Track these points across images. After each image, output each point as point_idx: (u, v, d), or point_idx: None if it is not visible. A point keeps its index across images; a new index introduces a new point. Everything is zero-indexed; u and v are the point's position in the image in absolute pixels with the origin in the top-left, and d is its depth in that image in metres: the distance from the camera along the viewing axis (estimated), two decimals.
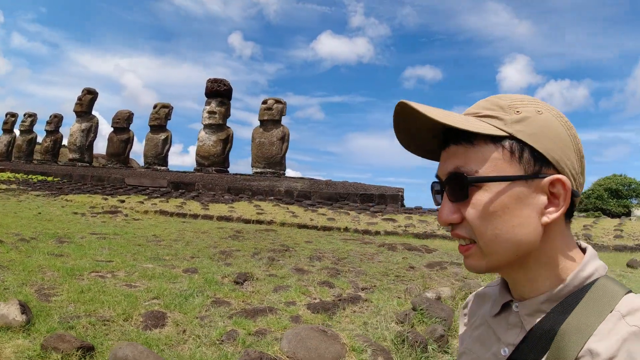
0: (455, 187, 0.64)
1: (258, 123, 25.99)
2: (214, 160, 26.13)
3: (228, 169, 26.81)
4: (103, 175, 25.50)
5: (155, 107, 28.26)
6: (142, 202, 17.38)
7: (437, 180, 0.69)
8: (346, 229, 13.82)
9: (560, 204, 0.63)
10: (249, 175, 25.24)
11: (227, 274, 6.59)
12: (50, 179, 25.99)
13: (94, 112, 30.35)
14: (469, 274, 7.75)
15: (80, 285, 5.37)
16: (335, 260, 8.64)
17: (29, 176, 26.95)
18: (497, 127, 0.64)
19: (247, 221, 14.45)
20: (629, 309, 0.58)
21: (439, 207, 0.67)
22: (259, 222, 14.35)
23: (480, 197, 0.63)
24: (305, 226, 13.97)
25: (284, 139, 25.37)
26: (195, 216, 15.04)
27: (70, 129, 29.61)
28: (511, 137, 0.63)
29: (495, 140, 0.64)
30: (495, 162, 0.63)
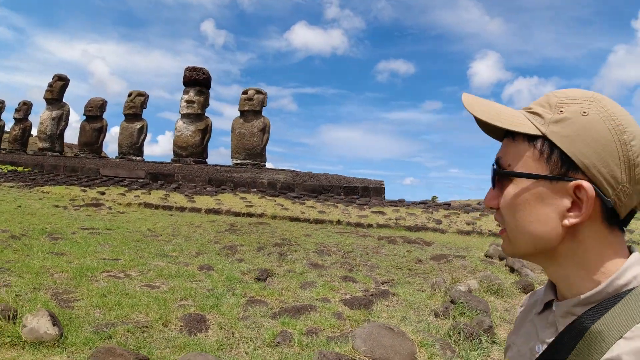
0: (492, 176, 0.71)
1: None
2: (193, 151, 25.54)
3: (207, 160, 26.27)
4: (76, 165, 24.53)
5: (130, 95, 27.29)
6: (124, 194, 16.82)
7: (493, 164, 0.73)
8: (338, 222, 13.77)
9: (583, 210, 0.63)
10: (229, 166, 24.81)
11: (245, 271, 6.44)
12: (20, 169, 24.81)
13: (64, 100, 28.99)
14: (477, 267, 7.86)
15: (97, 287, 5.12)
16: (343, 254, 8.58)
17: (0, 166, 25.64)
18: (535, 126, 0.66)
19: (237, 214, 14.19)
20: None
21: None
22: (250, 215, 14.12)
23: (509, 189, 0.68)
24: (297, 219, 13.84)
25: (265, 130, 25.03)
26: (181, 209, 14.66)
27: (40, 117, 28.26)
28: (544, 137, 0.65)
29: (530, 138, 0.66)
30: (525, 159, 0.67)
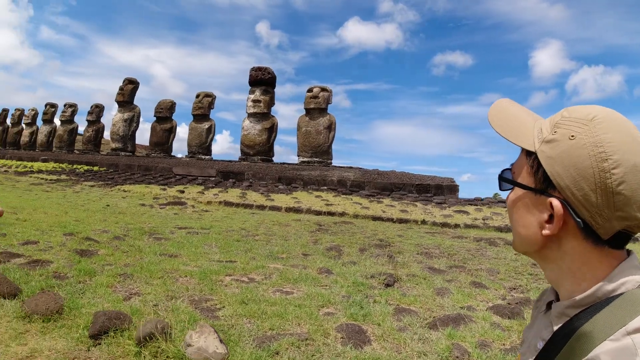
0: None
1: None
2: (259, 149, 25.73)
3: (273, 158, 26.42)
4: (149, 164, 25.35)
5: (198, 96, 27.88)
6: (202, 193, 17.09)
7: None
8: (423, 222, 13.27)
9: (554, 224, 0.70)
10: (296, 164, 24.80)
11: (367, 275, 6.15)
12: (96, 168, 25.96)
13: (134, 102, 30.11)
14: None
15: (233, 293, 4.95)
16: (448, 257, 8.14)
17: (74, 166, 26.97)
18: (533, 143, 0.73)
19: (317, 213, 14.01)
20: (637, 325, 0.61)
21: None
22: (331, 213, 13.90)
23: (511, 194, 0.78)
24: (379, 218, 13.47)
25: (331, 127, 24.81)
26: (261, 207, 14.66)
27: (112, 119, 29.46)
28: (535, 154, 0.73)
29: (528, 153, 0.74)
30: (522, 170, 0.75)
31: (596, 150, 0.65)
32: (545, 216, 0.71)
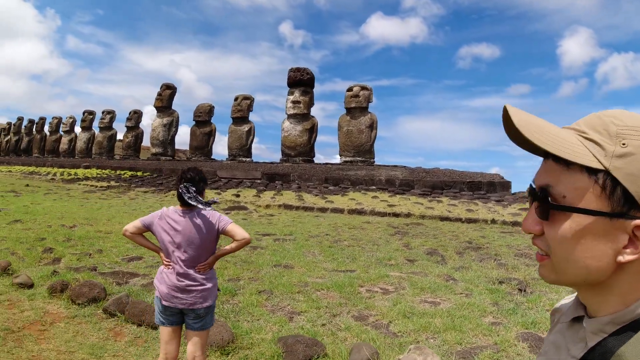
0: (541, 205, 0.66)
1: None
2: (301, 150, 25.75)
3: (314, 159, 26.41)
4: None
5: (236, 99, 28.03)
6: (258, 196, 17.15)
7: (531, 185, 0.70)
8: (493, 221, 13.07)
9: (637, 249, 0.62)
10: (339, 164, 24.75)
11: (494, 280, 6.07)
12: (140, 173, 26.31)
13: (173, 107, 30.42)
14: None
15: (384, 306, 4.88)
16: (530, 257, 7.99)
17: (117, 172, 27.37)
18: (596, 158, 0.62)
19: (382, 214, 13.92)
20: None
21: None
22: (395, 215, 13.80)
23: (562, 222, 0.64)
24: (447, 218, 13.32)
25: (373, 126, 24.68)
26: (322, 209, 14.63)
27: (152, 124, 29.81)
28: (607, 171, 0.61)
29: (590, 171, 0.62)
30: (584, 192, 0.63)
31: None
32: (625, 241, 0.62)
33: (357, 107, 24.71)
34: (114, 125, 33.78)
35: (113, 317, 4.22)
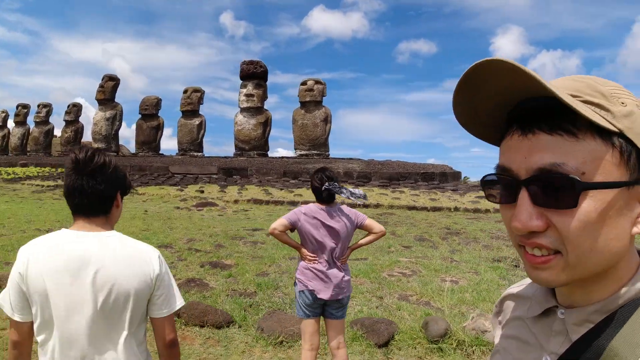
0: (554, 191, 0.53)
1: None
2: (255, 144, 25.70)
3: (268, 152, 26.46)
4: (142, 164, 24.72)
5: (185, 91, 27.35)
6: (223, 191, 17.05)
7: (503, 173, 0.57)
8: (456, 209, 14.01)
9: None
10: (296, 157, 25.00)
11: (491, 259, 6.71)
12: None
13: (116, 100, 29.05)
14: None
15: (422, 288, 5.31)
16: (509, 239, 8.85)
17: (59, 169, 25.83)
18: (605, 119, 0.53)
19: (351, 205, 14.40)
20: None
21: (502, 205, 0.58)
22: (365, 205, 14.35)
23: (586, 205, 0.52)
24: (414, 208, 14.08)
25: (327, 119, 25.15)
26: (293, 203, 14.88)
27: (93, 118, 28.31)
28: (621, 134, 0.53)
29: (603, 134, 0.53)
30: (604, 163, 0.53)
31: None
32: (638, 211, 0.56)
33: (311, 100, 25.05)
34: (50, 119, 31.63)
35: None
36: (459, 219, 12.17)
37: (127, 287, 1.31)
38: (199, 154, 27.15)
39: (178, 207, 13.99)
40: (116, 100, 29.02)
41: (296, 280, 2.84)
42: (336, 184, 2.79)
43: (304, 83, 25.42)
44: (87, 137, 30.49)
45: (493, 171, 0.59)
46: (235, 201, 15.46)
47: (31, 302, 1.30)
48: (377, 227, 2.88)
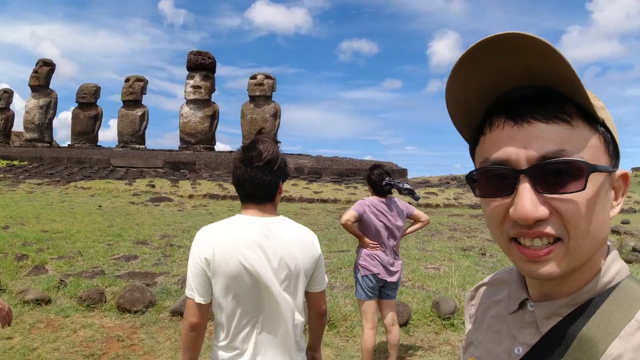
0: (560, 177, 0.53)
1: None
2: (202, 138, 25.21)
3: (215, 146, 26.07)
4: (81, 156, 23.43)
5: (127, 80, 26.17)
6: (176, 186, 16.67)
7: (500, 164, 0.56)
8: (409, 204, 14.74)
9: (619, 199, 0.59)
10: None
11: (462, 248, 7.32)
12: (16, 162, 23.27)
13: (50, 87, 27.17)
14: None
15: (411, 274, 5.76)
16: (468, 231, 9.67)
17: None
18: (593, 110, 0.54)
19: (310, 200, 14.71)
20: None
21: (491, 199, 0.57)
22: (323, 200, 14.70)
23: (588, 188, 0.53)
24: None
25: (277, 115, 25.21)
26: None
27: (26, 106, 26.31)
28: (603, 124, 0.56)
29: (592, 124, 0.55)
30: (595, 150, 0.55)
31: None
32: (613, 195, 0.58)
33: (261, 95, 24.97)
34: None
35: None
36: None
37: (301, 266, 1.49)
38: (142, 146, 26.16)
39: (133, 203, 13.54)
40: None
41: (359, 267, 3.11)
42: (393, 179, 3.09)
43: (253, 77, 25.28)
44: (17, 126, 28.31)
45: (479, 166, 0.59)
46: (190, 196, 15.21)
47: (214, 284, 1.44)
48: (423, 216, 3.22)
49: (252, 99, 25.23)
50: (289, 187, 16.78)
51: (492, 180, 0.57)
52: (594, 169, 0.53)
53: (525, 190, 0.53)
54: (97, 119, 26.64)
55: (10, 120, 27.51)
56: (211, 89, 25.69)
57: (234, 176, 1.53)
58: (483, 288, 0.76)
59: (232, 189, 16.19)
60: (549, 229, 0.53)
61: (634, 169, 49.42)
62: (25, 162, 23.24)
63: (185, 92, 25.47)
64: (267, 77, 25.28)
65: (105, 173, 20.46)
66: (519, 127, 0.55)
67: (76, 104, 26.61)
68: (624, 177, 0.59)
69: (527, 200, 0.53)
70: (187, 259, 4.99)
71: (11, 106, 28.32)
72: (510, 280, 0.69)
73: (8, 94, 27.47)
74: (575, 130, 0.54)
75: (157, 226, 9.55)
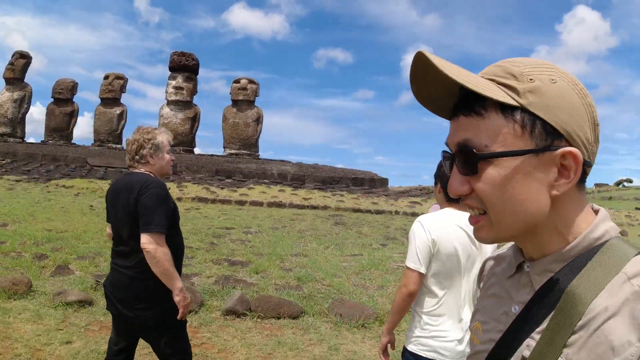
0: (465, 161, 0.63)
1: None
2: (182, 140, 24.90)
3: (194, 149, 25.84)
4: (56, 154, 22.75)
5: (106, 77, 25.61)
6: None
7: (446, 150, 0.67)
8: (397, 212, 15.17)
9: (571, 177, 0.62)
10: (225, 156, 24.75)
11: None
12: None
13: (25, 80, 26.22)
14: None
15: None
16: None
17: None
18: (510, 97, 0.60)
19: (300, 207, 14.89)
20: (637, 270, 0.58)
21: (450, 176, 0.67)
22: (313, 207, 14.92)
23: (490, 171, 0.61)
24: (359, 210, 14.95)
25: (259, 120, 25.26)
26: (240, 202, 14.96)
27: None
28: (523, 108, 0.60)
29: (505, 111, 0.61)
30: (505, 136, 0.61)
31: (578, 87, 0.62)
32: (555, 174, 0.62)
33: (244, 100, 24.98)
34: None
35: (245, 316, 4.29)
36: (405, 221, 13.27)
37: (485, 249, 1.85)
38: (118, 146, 25.59)
39: None
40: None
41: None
42: None
43: (237, 81, 25.26)
44: None
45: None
46: (179, 199, 15.09)
47: (434, 260, 1.81)
48: None
49: (235, 103, 25.20)
50: (277, 193, 16.92)
51: (445, 160, 0.68)
52: (483, 156, 0.61)
53: (454, 171, 0.64)
54: (72, 116, 25.90)
55: None
56: (193, 91, 25.49)
57: (444, 179, 1.89)
58: (490, 261, 0.81)
59: (220, 193, 16.19)
60: (473, 203, 0.64)
61: (597, 185, 51.89)
62: None
63: (166, 92, 25.17)
64: (251, 82, 25.33)
65: (83, 172, 19.98)
66: (453, 121, 0.65)
67: (51, 99, 25.81)
68: (569, 155, 0.61)
69: (453, 178, 0.64)
70: (211, 260, 5.15)
71: None
72: (507, 254, 0.76)
73: None
74: (486, 120, 0.61)
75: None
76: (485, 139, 0.61)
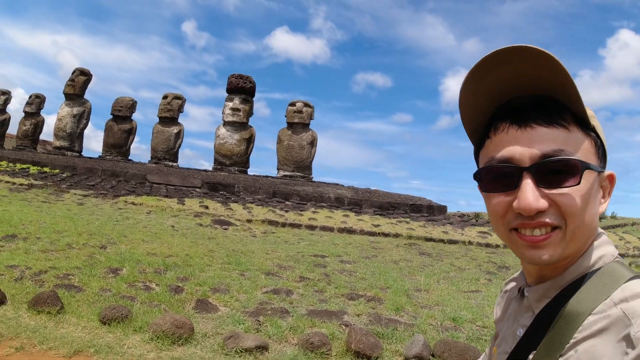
0: (559, 173, 0.61)
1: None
2: (237, 160, 25.13)
3: (248, 170, 25.98)
4: (115, 169, 23.19)
5: (165, 97, 26.19)
6: (230, 209, 16.50)
7: (504, 163, 0.64)
8: (470, 242, 14.71)
9: (607, 198, 0.66)
10: (279, 177, 24.78)
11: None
12: (47, 170, 22.94)
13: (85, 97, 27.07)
14: None
15: None
16: None
17: (17, 165, 23.46)
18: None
19: (371, 233, 14.62)
20: (623, 296, 0.60)
21: (496, 193, 0.65)
22: (384, 234, 14.61)
23: (583, 183, 0.62)
24: (431, 239, 14.57)
25: (313, 143, 25.29)
26: (310, 227, 14.78)
27: (58, 113, 26.11)
28: (594, 130, 0.65)
29: (585, 128, 0.63)
30: (587, 151, 0.63)
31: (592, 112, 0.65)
32: (601, 194, 0.67)
33: (299, 122, 25.09)
34: None
35: None
36: (483, 253, 12.81)
37: None
38: (174, 164, 25.98)
39: (200, 225, 13.31)
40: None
41: None
42: None
43: (292, 104, 25.44)
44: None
45: (485, 164, 0.67)
46: (248, 220, 15.04)
47: None
48: None
49: (290, 125, 25.33)
50: (342, 218, 16.69)
51: (497, 177, 0.65)
52: (587, 166, 0.62)
53: (528, 185, 0.62)
54: (130, 133, 26.48)
55: (40, 126, 27.16)
56: (249, 113, 25.76)
57: None
58: (510, 281, 0.85)
59: (289, 217, 16.05)
60: (548, 219, 0.62)
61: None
62: (57, 170, 22.91)
63: (223, 113, 25.51)
64: (306, 105, 25.46)
65: (146, 189, 20.23)
66: (522, 130, 0.63)
67: (110, 116, 26.48)
68: (610, 177, 0.67)
69: (530, 193, 0.62)
70: (342, 295, 4.93)
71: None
72: (519, 277, 0.79)
73: (40, 100, 27.18)
74: (572, 134, 0.63)
75: (257, 255, 9.32)
76: (574, 151, 0.62)
